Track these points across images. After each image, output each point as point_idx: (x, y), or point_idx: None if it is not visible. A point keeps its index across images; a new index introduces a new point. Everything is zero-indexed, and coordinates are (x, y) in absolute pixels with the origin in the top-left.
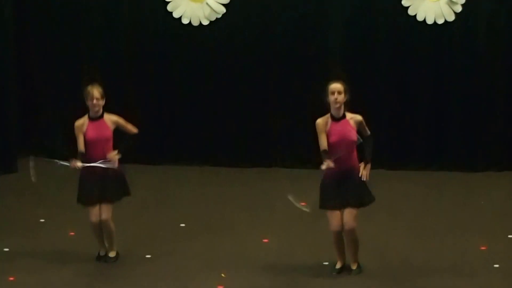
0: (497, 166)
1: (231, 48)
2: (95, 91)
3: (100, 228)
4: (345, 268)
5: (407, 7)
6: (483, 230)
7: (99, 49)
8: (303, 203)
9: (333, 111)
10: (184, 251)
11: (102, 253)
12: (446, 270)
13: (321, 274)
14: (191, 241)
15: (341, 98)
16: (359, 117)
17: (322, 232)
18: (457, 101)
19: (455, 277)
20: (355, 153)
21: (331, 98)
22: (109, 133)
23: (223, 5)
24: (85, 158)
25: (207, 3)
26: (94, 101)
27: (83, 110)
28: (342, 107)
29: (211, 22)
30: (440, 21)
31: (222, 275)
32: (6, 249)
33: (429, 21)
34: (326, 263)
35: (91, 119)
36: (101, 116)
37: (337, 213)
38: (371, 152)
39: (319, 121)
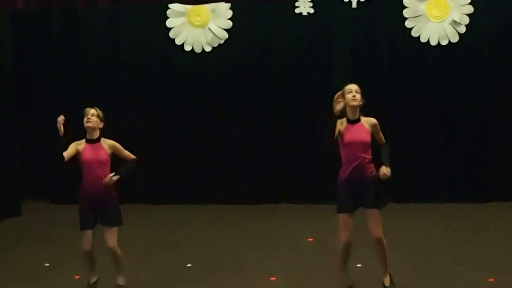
0: (503, 196)
1: (234, 75)
2: (92, 109)
3: (91, 257)
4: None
5: (411, 29)
6: (491, 262)
7: (101, 78)
8: (310, 239)
9: (348, 113)
10: None
11: (93, 280)
12: None
13: None
14: (198, 282)
15: (359, 96)
16: (373, 120)
17: (331, 268)
18: (464, 129)
19: None
20: (369, 159)
21: (349, 96)
22: (105, 156)
23: (226, 30)
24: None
25: (209, 29)
26: (89, 116)
27: None
28: (358, 110)
29: (213, 48)
30: (444, 42)
31: None
32: None
33: (433, 42)
34: None
35: (88, 141)
36: (98, 140)
37: (349, 222)
38: (388, 159)
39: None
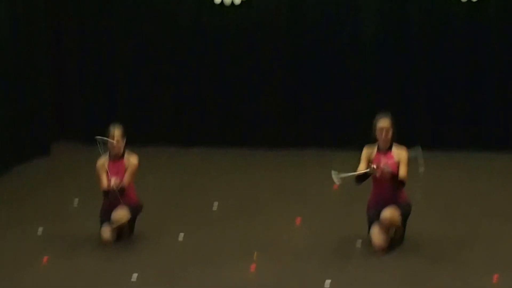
0: None
1: (263, 27)
2: (116, 131)
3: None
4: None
5: None
6: None
7: (132, 29)
8: (335, 186)
9: (380, 143)
10: (217, 233)
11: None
12: (481, 252)
13: (353, 257)
14: (224, 224)
15: (389, 135)
16: (403, 154)
17: (355, 215)
18: (494, 81)
19: (490, 259)
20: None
21: (380, 135)
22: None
23: None
24: (107, 195)
25: None
26: (115, 143)
27: (115, 94)
28: (390, 140)
29: (242, 1)
30: None
31: (254, 256)
32: (40, 232)
33: None
34: (359, 246)
35: (112, 159)
36: (122, 157)
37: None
38: (395, 177)
39: (366, 148)
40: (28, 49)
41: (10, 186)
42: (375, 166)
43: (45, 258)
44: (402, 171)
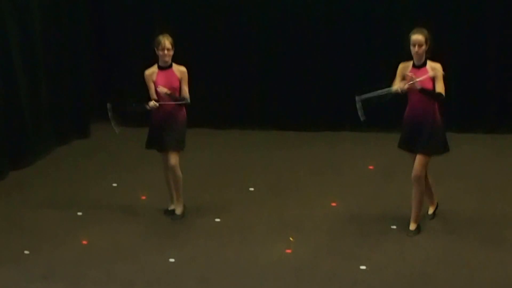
0: None
1: (299, 10)
2: (166, 41)
3: (168, 180)
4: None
5: None
6: None
7: (169, 12)
8: (371, 167)
9: (414, 58)
10: (253, 215)
11: (170, 208)
12: None
13: (389, 238)
14: (259, 205)
15: (421, 50)
16: (438, 67)
17: (390, 196)
18: None
19: None
20: (435, 104)
21: (412, 49)
22: (177, 83)
23: None
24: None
25: None
26: (165, 51)
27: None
28: (424, 55)
29: None
30: None
31: (291, 238)
32: (80, 213)
33: None
34: (394, 227)
35: (161, 68)
36: (170, 66)
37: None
38: (430, 92)
39: (401, 64)
40: (69, 33)
41: (51, 167)
42: (410, 74)
43: (84, 241)
44: (439, 87)
